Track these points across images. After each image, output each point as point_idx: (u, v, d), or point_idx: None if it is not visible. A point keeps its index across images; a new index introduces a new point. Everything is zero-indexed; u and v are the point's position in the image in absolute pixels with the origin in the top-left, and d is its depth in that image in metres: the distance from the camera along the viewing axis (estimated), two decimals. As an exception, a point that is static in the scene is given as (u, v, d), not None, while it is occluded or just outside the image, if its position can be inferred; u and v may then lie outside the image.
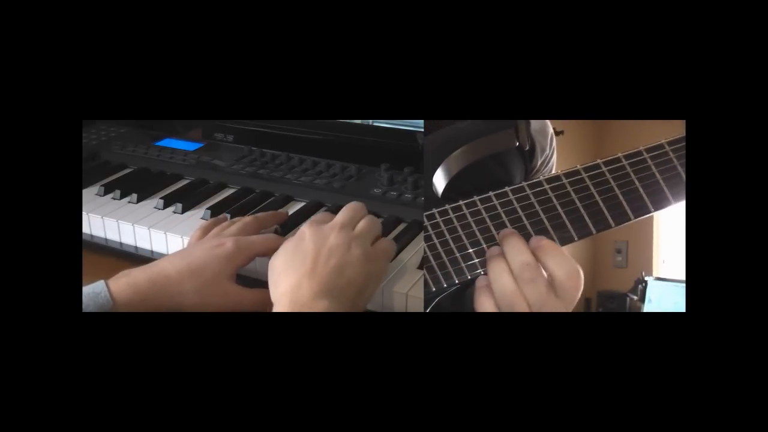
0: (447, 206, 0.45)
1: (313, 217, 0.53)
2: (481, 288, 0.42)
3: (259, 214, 0.61)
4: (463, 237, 0.44)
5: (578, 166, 0.43)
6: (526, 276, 0.40)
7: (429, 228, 0.44)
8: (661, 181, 0.41)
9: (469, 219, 0.44)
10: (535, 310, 0.40)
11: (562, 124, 0.72)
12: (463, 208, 0.44)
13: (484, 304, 0.42)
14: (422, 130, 0.71)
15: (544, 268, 0.41)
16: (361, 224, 0.51)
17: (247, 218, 0.59)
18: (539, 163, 0.63)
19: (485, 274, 0.43)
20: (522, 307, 0.40)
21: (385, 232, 0.61)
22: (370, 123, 0.78)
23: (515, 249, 0.41)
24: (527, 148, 0.57)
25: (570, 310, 0.41)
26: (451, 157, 0.48)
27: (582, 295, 0.43)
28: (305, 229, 0.50)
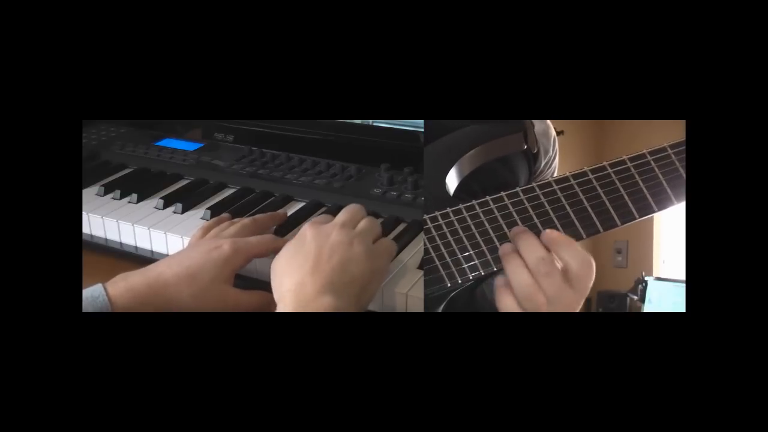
0: (461, 205, 0.47)
1: (313, 219, 0.53)
2: (501, 287, 0.44)
3: (257, 216, 0.61)
4: (477, 235, 0.46)
5: (585, 168, 0.45)
6: (543, 270, 0.42)
7: (444, 226, 0.46)
8: (664, 183, 0.43)
9: (483, 218, 0.46)
10: (552, 302, 0.41)
11: (562, 124, 0.72)
12: (476, 207, 0.46)
13: (506, 301, 0.43)
14: (422, 130, 0.71)
15: (558, 260, 0.42)
16: (362, 224, 0.52)
17: (246, 220, 0.59)
18: (543, 165, 0.64)
19: (499, 271, 0.44)
20: (540, 300, 0.42)
21: (385, 232, 0.61)
22: (370, 123, 0.78)
23: (529, 245, 0.43)
24: (535, 150, 0.59)
25: (583, 300, 0.43)
26: (463, 159, 0.51)
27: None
28: (306, 230, 0.50)
